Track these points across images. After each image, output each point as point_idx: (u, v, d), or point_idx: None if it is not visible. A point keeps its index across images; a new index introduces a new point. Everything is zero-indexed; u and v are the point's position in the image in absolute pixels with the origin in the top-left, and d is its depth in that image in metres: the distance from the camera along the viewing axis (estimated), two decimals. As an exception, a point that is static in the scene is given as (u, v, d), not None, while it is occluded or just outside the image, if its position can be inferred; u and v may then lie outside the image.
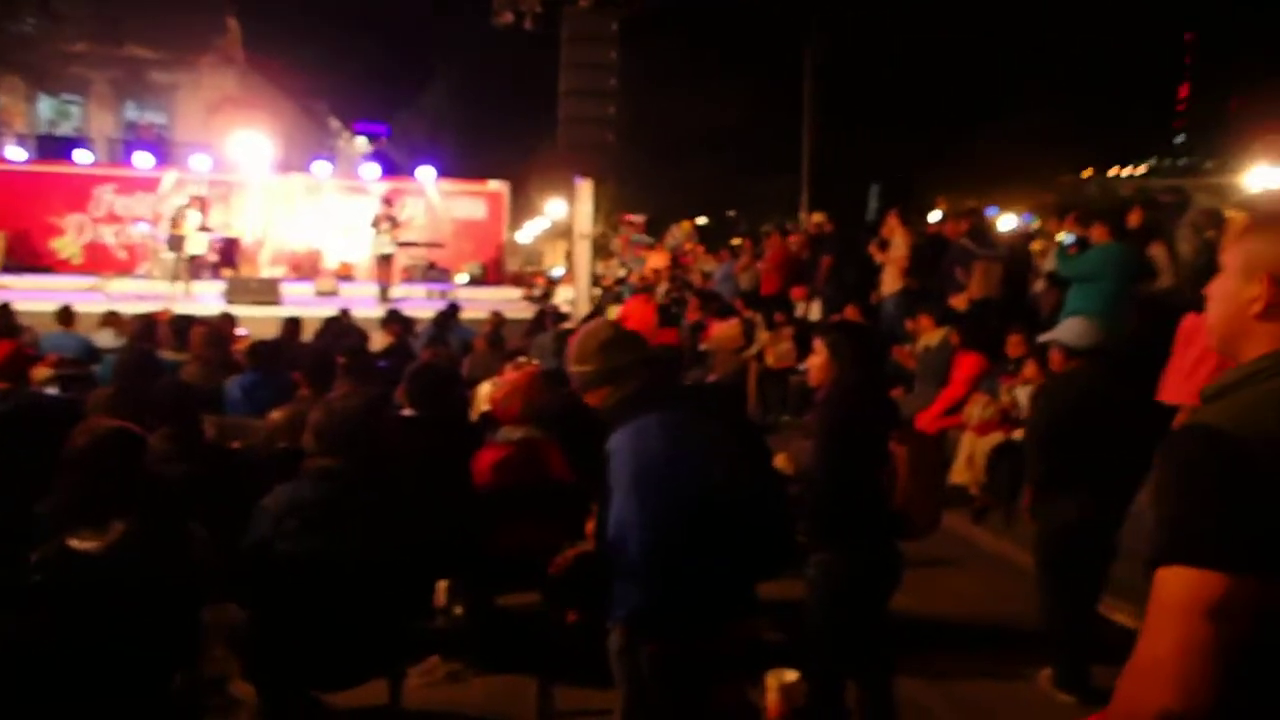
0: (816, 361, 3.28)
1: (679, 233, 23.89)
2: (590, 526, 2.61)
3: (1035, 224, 16.78)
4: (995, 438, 5.97)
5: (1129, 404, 3.98)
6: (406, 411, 4.16)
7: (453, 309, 9.70)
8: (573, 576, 2.85)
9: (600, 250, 21.24)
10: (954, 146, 28.30)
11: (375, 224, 13.87)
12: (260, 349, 5.69)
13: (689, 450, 2.37)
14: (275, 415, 4.56)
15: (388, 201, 14.76)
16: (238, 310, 10.57)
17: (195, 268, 14.14)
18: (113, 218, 17.53)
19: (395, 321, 8.53)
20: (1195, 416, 1.29)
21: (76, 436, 2.71)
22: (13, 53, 19.76)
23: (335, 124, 39.05)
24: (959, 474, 6.12)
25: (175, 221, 13.87)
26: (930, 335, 7.30)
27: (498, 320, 8.74)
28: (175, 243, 13.66)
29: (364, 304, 12.25)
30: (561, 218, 35.06)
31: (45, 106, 27.17)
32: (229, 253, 16.68)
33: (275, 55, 29.81)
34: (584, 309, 13.13)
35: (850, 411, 3.17)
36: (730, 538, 2.42)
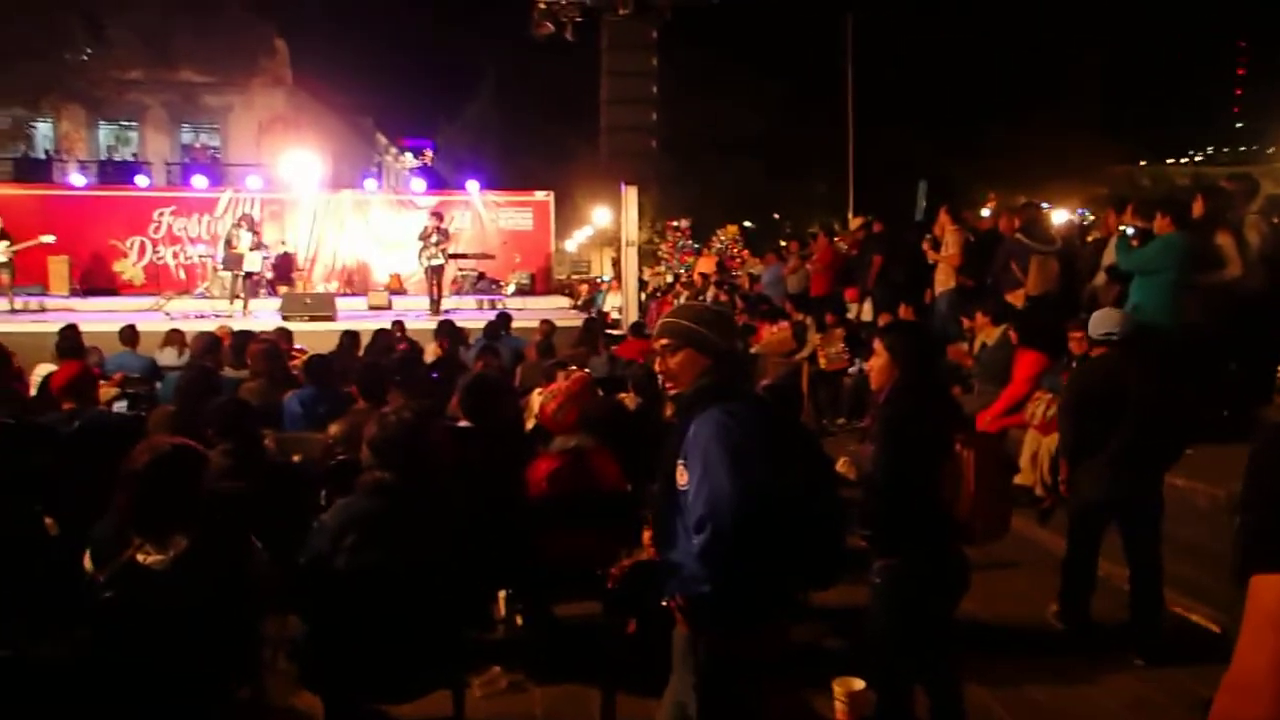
0: (877, 363, 3.22)
1: (724, 236, 23.85)
2: (648, 535, 2.57)
3: (1089, 217, 16.41)
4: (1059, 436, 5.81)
5: (1158, 390, 4.22)
6: (461, 423, 4.17)
7: (503, 319, 9.75)
8: (631, 586, 2.83)
9: (647, 256, 21.28)
10: (1001, 141, 27.80)
11: (424, 237, 14.02)
12: (316, 364, 5.76)
13: (765, 445, 2.35)
14: (333, 429, 4.61)
15: (436, 215, 14.92)
16: (294, 326, 10.77)
17: (251, 285, 14.42)
18: (171, 239, 18.00)
19: (446, 333, 8.60)
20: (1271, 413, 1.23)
21: (137, 455, 2.75)
22: (72, 82, 20.41)
23: (382, 140, 39.68)
24: (1023, 475, 5.97)
25: (229, 241, 14.19)
26: (988, 333, 7.15)
27: (549, 329, 8.76)
28: (232, 261, 13.96)
29: (415, 316, 12.38)
30: (606, 225, 35.24)
31: (104, 133, 28.00)
32: (283, 269, 17.02)
33: (322, 74, 30.39)
34: (633, 316, 13.14)
35: (912, 413, 3.10)
36: (788, 540, 2.38)
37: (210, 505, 2.87)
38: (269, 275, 15.97)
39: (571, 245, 42.79)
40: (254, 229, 14.33)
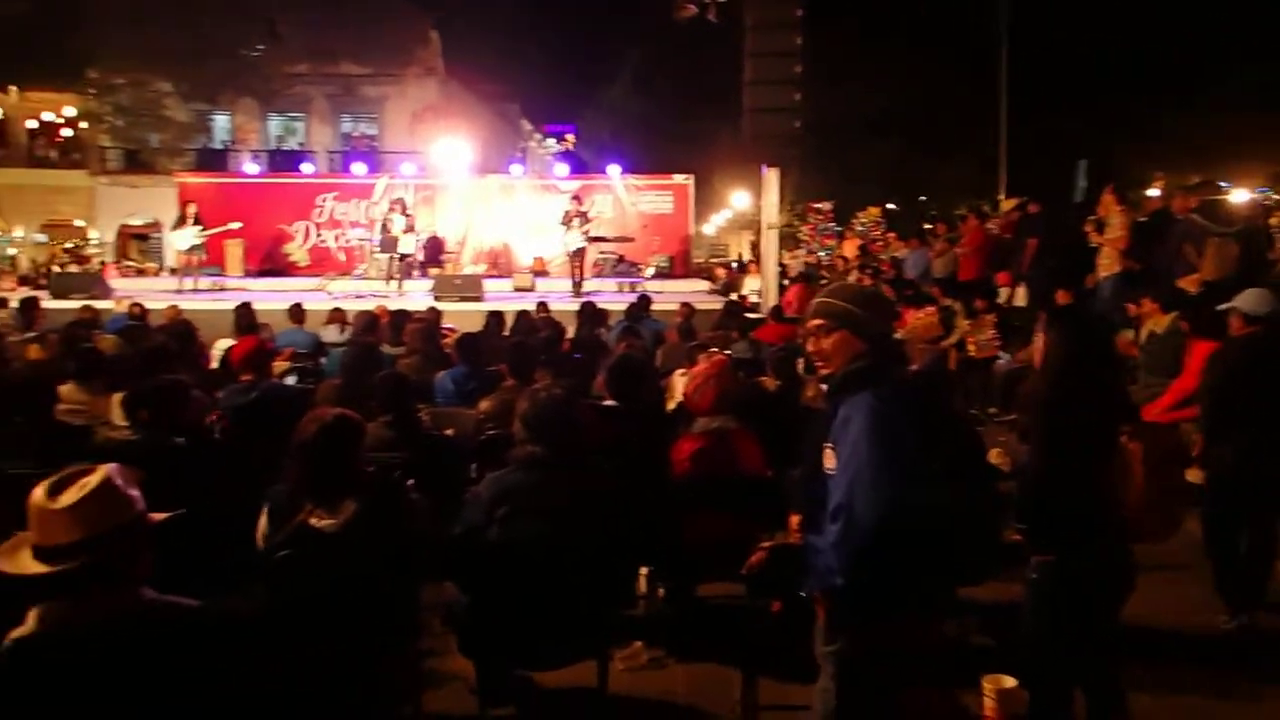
0: (1037, 350, 3.08)
1: (865, 219, 23.23)
2: (795, 520, 2.56)
3: (1274, 196, 15.08)
4: (1235, 433, 5.40)
5: None
6: (606, 402, 4.25)
7: (644, 301, 9.85)
8: (773, 570, 2.82)
9: (786, 239, 20.98)
10: (1169, 116, 25.74)
11: (566, 221, 14.31)
12: (467, 343, 5.99)
13: (916, 433, 2.29)
14: (483, 405, 4.80)
15: (577, 199, 15.19)
16: (444, 306, 11.23)
17: (405, 267, 15.11)
18: (333, 223, 19.09)
19: (588, 314, 8.77)
20: None
21: (305, 425, 2.93)
22: (247, 77, 21.92)
23: (527, 126, 40.67)
24: (1194, 472, 5.58)
25: (385, 225, 14.92)
26: (1156, 321, 6.70)
27: (689, 311, 8.79)
28: (387, 244, 14.67)
29: (558, 298, 12.67)
30: (745, 208, 34.96)
31: (274, 124, 29.96)
32: (434, 252, 17.76)
33: (471, 63, 31.40)
34: (772, 300, 13.00)
35: (1070, 404, 2.95)
36: (933, 533, 2.32)
37: (374, 473, 3.05)
38: (420, 258, 16.68)
39: (710, 229, 42.74)
40: (406, 213, 14.99)
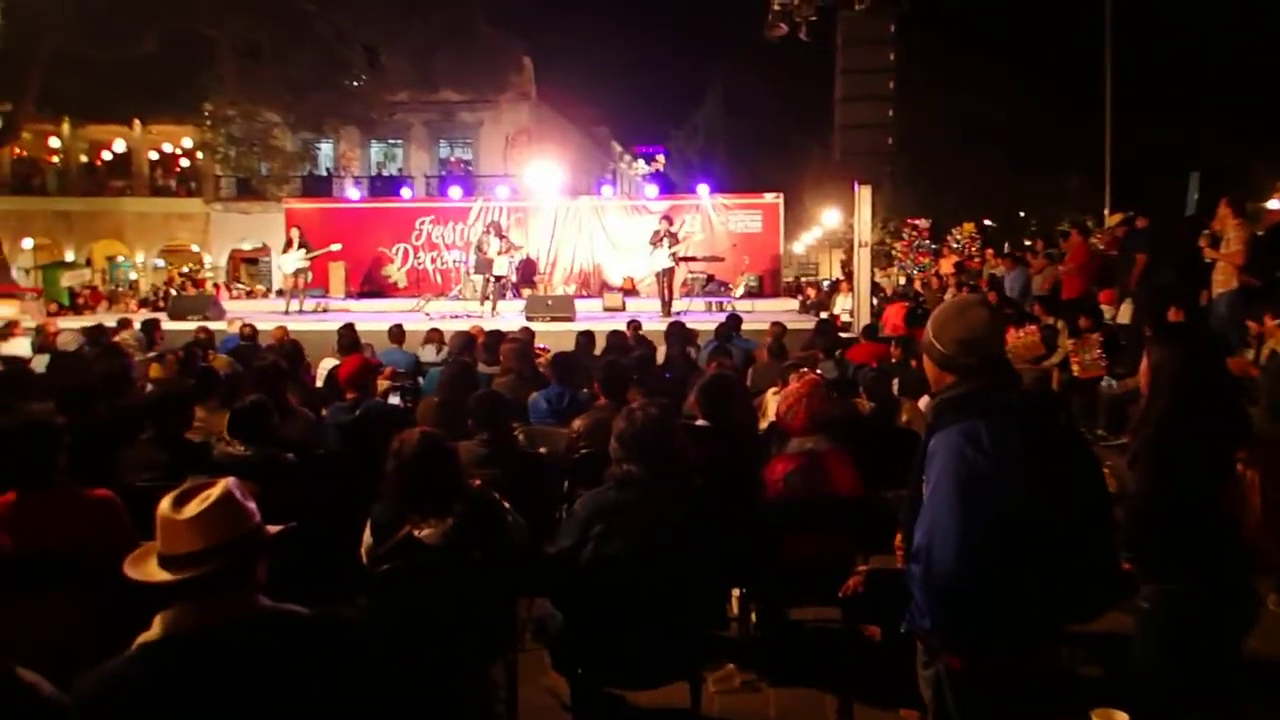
0: (1144, 371, 2.97)
1: (960, 235, 22.71)
2: (898, 540, 2.51)
3: None
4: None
5: None
6: (699, 422, 4.26)
7: (734, 321, 9.83)
8: (871, 594, 2.77)
9: (879, 257, 20.67)
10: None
11: (655, 241, 14.40)
12: (561, 362, 6.07)
13: (1017, 464, 2.20)
14: (576, 423, 4.86)
15: (667, 219, 15.29)
16: (536, 326, 11.42)
17: (499, 288, 15.45)
18: (430, 245, 19.69)
19: (677, 334, 8.79)
20: None
21: (397, 443, 3.03)
22: (350, 106, 22.83)
23: (617, 148, 41.17)
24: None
25: (480, 247, 15.29)
26: (1278, 339, 6.35)
27: (780, 330, 8.73)
28: (482, 266, 15.03)
29: (647, 318, 12.76)
30: (835, 226, 34.58)
31: (375, 150, 31.12)
32: (526, 273, 18.11)
33: (563, 88, 32.09)
34: (865, 319, 12.80)
35: (1184, 425, 2.83)
36: (1047, 561, 2.23)
37: (471, 488, 3.12)
38: (514, 279, 17.02)
39: (799, 247, 42.40)
40: (500, 235, 15.33)
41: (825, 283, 29.46)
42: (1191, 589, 2.73)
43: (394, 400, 5.60)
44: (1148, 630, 2.80)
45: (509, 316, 14.24)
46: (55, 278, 27.74)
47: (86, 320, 12.91)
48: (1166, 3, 24.25)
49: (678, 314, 13.26)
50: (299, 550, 2.49)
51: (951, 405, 2.28)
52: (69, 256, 30.16)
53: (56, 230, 30.25)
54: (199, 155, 28.36)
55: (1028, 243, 16.38)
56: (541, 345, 8.76)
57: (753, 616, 4.09)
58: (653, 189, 21.35)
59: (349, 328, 8.52)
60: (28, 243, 30.06)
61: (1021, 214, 33.31)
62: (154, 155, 31.65)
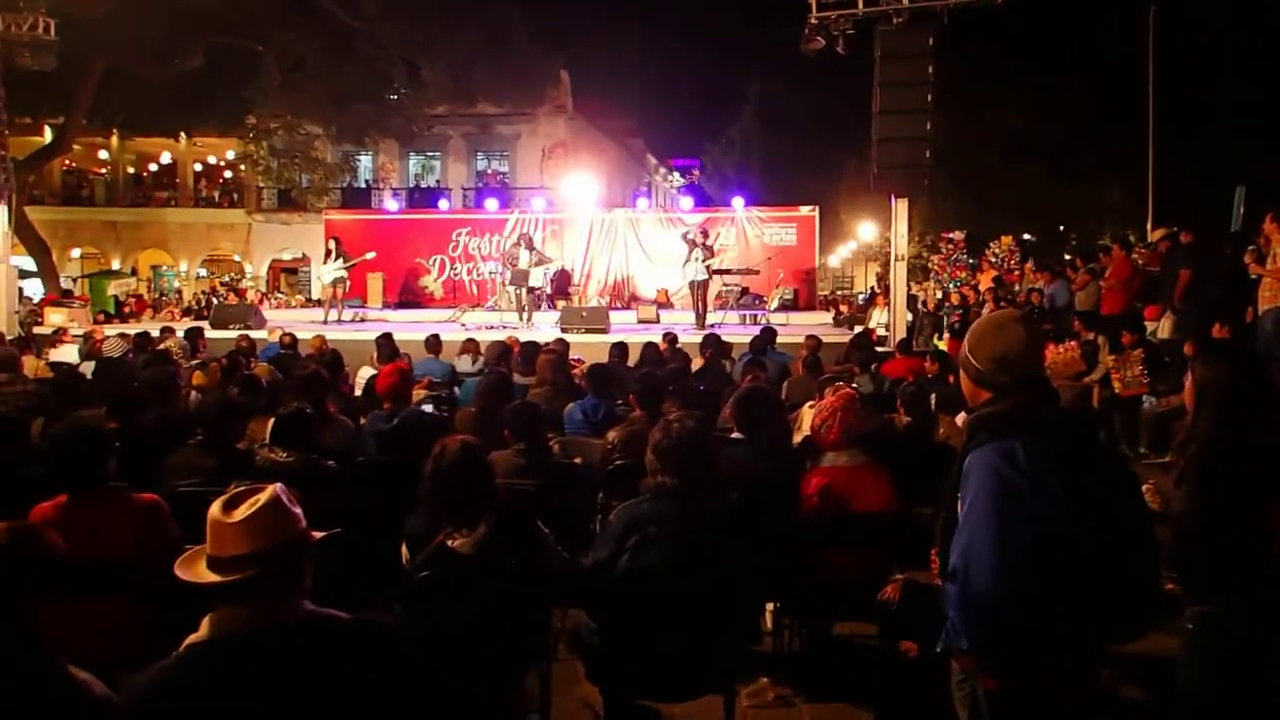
0: (1189, 389, 2.92)
1: (999, 249, 22.47)
2: (934, 556, 2.49)
3: None
4: None
5: None
6: (734, 434, 4.26)
7: (768, 334, 9.80)
8: (908, 609, 2.76)
9: (915, 270, 20.50)
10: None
11: (690, 253, 14.40)
12: (598, 374, 6.10)
13: (1054, 482, 2.18)
14: (611, 435, 4.88)
15: (703, 231, 15.29)
16: (570, 337, 11.47)
17: (534, 299, 15.54)
18: (467, 256, 19.88)
19: (712, 346, 8.78)
20: None
21: (438, 449, 3.07)
22: (390, 119, 23.14)
23: (652, 161, 41.29)
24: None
25: (512, 260, 15.40)
26: (1326, 358, 6.22)
27: (815, 344, 8.69)
28: (518, 277, 15.13)
29: (681, 331, 12.75)
30: (871, 239, 34.38)
31: (413, 163, 31.51)
32: (561, 284, 18.20)
33: (599, 101, 32.27)
34: (900, 333, 12.71)
35: (1229, 444, 2.78)
36: (1086, 581, 2.21)
37: (505, 498, 3.15)
38: (548, 290, 17.11)
39: (835, 261, 42.20)
40: (530, 247, 15.41)
41: (860, 296, 29.28)
42: (1238, 610, 2.68)
43: (429, 409, 5.65)
44: (1192, 652, 2.75)
45: (544, 327, 14.31)
46: (102, 286, 28.38)
47: (132, 328, 13.17)
48: (1210, 14, 23.86)
49: (712, 326, 13.25)
50: (340, 557, 2.53)
51: (987, 423, 2.26)
52: (115, 265, 30.89)
53: (104, 240, 31.02)
54: (241, 167, 28.94)
55: (1067, 257, 16.15)
56: (577, 357, 8.79)
57: (787, 630, 4.07)
58: (688, 201, 21.39)
59: (387, 338, 8.62)
60: (76, 252, 30.87)
61: (1061, 228, 32.90)
62: (198, 167, 32.39)
